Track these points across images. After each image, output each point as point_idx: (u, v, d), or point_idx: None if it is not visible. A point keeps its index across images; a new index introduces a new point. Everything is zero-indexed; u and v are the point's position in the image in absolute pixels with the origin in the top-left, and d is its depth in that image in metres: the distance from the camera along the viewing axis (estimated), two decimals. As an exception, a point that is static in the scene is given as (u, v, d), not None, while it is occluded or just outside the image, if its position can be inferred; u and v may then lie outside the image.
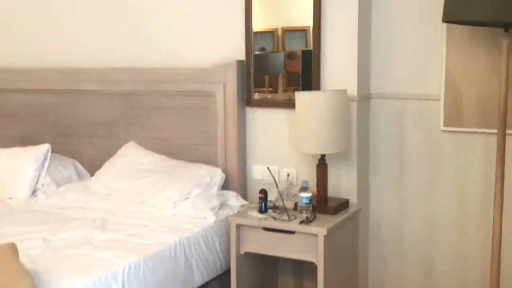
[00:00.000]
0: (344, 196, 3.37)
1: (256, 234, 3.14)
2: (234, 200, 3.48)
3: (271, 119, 3.54)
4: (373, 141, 3.49)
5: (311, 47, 3.37)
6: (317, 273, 3.00)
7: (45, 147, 3.82)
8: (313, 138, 3.16)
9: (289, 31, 3.51)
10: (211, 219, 3.24)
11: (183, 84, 3.65)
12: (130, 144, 3.80)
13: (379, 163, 3.50)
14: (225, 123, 3.56)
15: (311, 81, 3.38)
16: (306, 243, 3.02)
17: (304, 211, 3.13)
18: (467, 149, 3.30)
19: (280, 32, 3.51)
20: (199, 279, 3.11)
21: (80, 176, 3.92)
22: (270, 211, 3.20)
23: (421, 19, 3.31)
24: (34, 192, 3.72)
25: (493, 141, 3.01)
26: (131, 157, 3.71)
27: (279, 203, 3.21)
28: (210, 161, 3.58)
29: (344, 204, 3.29)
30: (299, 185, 3.29)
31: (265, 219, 3.15)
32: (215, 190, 3.42)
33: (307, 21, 3.37)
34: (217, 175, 3.47)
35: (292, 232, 3.05)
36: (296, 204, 3.21)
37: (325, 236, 2.96)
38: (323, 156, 3.24)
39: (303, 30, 3.44)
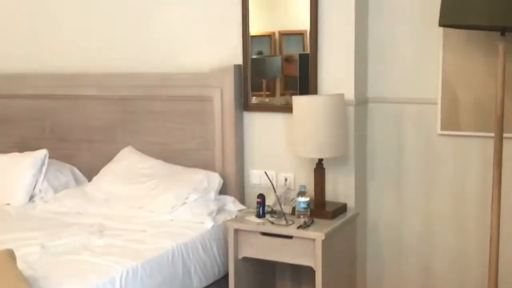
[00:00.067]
0: (341, 200, 3.37)
1: (254, 239, 3.14)
2: (232, 205, 3.48)
3: (269, 123, 3.54)
4: (371, 145, 3.49)
5: (308, 50, 3.37)
6: (315, 278, 3.00)
7: (43, 152, 3.81)
8: (310, 142, 3.16)
9: (286, 34, 3.51)
10: (209, 224, 3.24)
11: (180, 89, 3.65)
12: (128, 149, 3.80)
13: (376, 167, 3.50)
14: (223, 128, 3.55)
15: (309, 85, 3.39)
16: (304, 248, 3.02)
17: (302, 216, 3.13)
18: (464, 152, 3.30)
19: (277, 36, 3.51)
20: (197, 284, 3.10)
21: (77, 182, 3.91)
22: (268, 215, 3.19)
23: (417, 23, 3.31)
24: (31, 198, 3.71)
25: (490, 145, 3.01)
26: (128, 162, 3.70)
27: (277, 208, 3.21)
28: (207, 166, 3.58)
29: (341, 209, 3.29)
30: (297, 189, 3.28)
31: (263, 224, 3.15)
32: (212, 195, 3.42)
33: (304, 24, 3.37)
34: (215, 180, 3.47)
35: (290, 237, 3.05)
36: (294, 209, 3.21)
37: (323, 241, 2.96)
38: (320, 160, 3.24)
39: (300, 34, 3.44)
